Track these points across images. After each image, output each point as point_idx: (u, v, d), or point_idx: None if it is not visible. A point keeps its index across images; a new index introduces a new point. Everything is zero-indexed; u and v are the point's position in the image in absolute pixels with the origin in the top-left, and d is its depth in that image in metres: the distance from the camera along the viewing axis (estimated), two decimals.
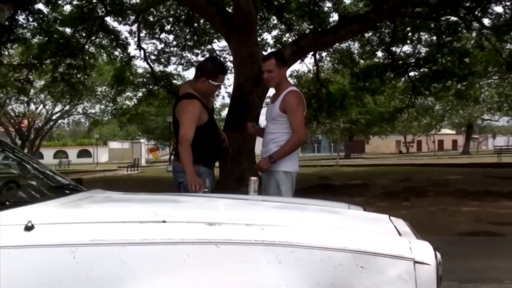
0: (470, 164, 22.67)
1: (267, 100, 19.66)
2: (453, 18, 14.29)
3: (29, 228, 1.65)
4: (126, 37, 16.85)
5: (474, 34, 15.67)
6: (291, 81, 19.31)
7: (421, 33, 16.34)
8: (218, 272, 1.63)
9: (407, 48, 17.97)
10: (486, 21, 14.00)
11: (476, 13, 13.29)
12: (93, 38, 16.20)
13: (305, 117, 3.98)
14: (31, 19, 14.47)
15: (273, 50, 16.20)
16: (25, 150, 26.43)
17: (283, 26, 16.43)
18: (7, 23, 11.64)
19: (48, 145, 50.90)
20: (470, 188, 11.03)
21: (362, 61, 18.27)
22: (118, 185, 14.52)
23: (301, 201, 2.84)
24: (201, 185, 3.39)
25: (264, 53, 12.80)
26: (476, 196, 9.76)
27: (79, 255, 1.61)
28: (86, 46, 16.18)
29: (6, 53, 15.18)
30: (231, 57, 13.63)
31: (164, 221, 1.76)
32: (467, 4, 13.33)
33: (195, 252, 1.62)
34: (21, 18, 14.16)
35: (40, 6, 14.56)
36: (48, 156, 46.62)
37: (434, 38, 15.63)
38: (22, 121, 33.21)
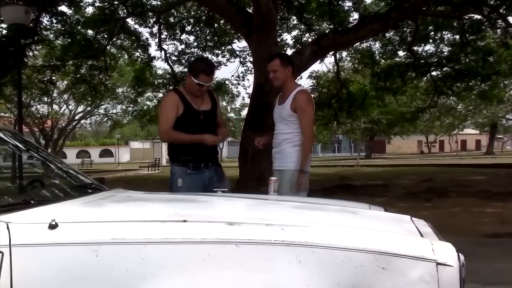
0: (494, 165, 22.30)
1: None
2: (477, 17, 14.06)
3: (53, 226, 1.68)
4: (146, 38, 17.01)
5: (498, 32, 15.39)
6: (310, 81, 19.28)
7: (444, 32, 16.10)
8: (238, 271, 1.63)
9: (429, 47, 17.76)
10: (511, 19, 13.74)
11: (500, 11, 13.05)
12: (114, 39, 16.37)
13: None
14: (54, 21, 14.70)
15: (293, 50, 16.19)
16: (49, 150, 26.86)
17: (303, 26, 16.37)
18: (31, 25, 11.84)
19: (71, 145, 51.67)
20: (494, 189, 10.84)
21: (383, 61, 18.11)
22: (139, 185, 14.67)
23: (322, 201, 2.82)
24: (215, 138, 3.64)
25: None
26: (500, 197, 9.59)
27: (101, 253, 1.63)
28: (108, 48, 16.36)
29: (31, 54, 15.43)
30: (251, 57, 13.64)
31: (184, 221, 1.78)
32: (491, 2, 13.10)
33: (216, 252, 1.63)
34: (45, 20, 14.40)
35: (63, 8, 14.80)
36: (71, 155, 47.29)
37: (457, 37, 15.40)
38: (45, 122, 33.75)
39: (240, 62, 18.51)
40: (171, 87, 18.70)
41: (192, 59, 4.25)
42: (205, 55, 18.36)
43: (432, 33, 15.97)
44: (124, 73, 23.74)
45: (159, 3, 16.12)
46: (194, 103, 3.70)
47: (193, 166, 3.66)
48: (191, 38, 17.59)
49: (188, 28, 16.97)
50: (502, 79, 19.20)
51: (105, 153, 55.16)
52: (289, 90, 3.92)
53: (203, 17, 16.19)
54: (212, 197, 2.72)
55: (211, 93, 3.90)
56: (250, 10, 11.18)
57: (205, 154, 3.71)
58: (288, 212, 2.44)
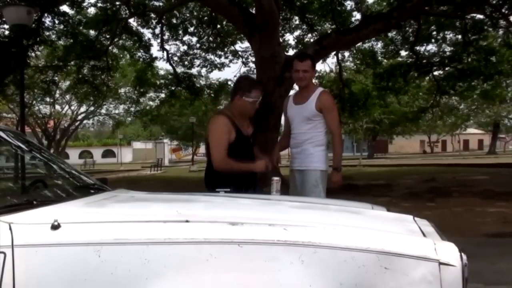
0: (496, 164, 22.24)
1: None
2: (479, 16, 14.06)
3: (55, 227, 1.68)
4: (149, 39, 17.05)
5: (501, 32, 15.37)
6: (312, 81, 19.32)
7: (446, 32, 16.11)
8: (241, 271, 1.63)
9: (431, 47, 17.75)
10: None
11: (503, 10, 13.03)
12: (116, 40, 16.40)
13: None
14: (57, 22, 14.73)
15: (295, 50, 16.19)
16: (52, 150, 26.90)
17: (305, 26, 16.37)
18: (34, 25, 11.85)
19: (73, 145, 51.73)
20: (497, 188, 10.83)
21: (385, 61, 18.10)
22: (142, 185, 14.67)
23: (324, 201, 2.82)
24: (267, 163, 3.43)
25: (286, 53, 12.78)
26: (503, 196, 9.57)
27: (104, 254, 1.63)
28: (110, 48, 16.38)
29: (33, 54, 15.46)
30: (254, 57, 13.64)
31: (187, 221, 1.78)
32: (494, 2, 13.08)
33: (218, 252, 1.63)
34: (47, 20, 14.43)
35: (65, 8, 14.83)
36: (73, 156, 47.36)
37: (459, 36, 15.39)
38: (48, 122, 33.80)
39: (243, 62, 18.51)
40: (173, 88, 18.71)
41: (235, 81, 3.82)
42: (207, 56, 18.39)
43: (434, 32, 15.97)
44: (126, 73, 23.77)
45: (161, 3, 16.14)
46: (243, 128, 3.46)
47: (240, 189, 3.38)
48: (194, 39, 17.62)
49: (191, 29, 16.98)
50: (504, 78, 19.19)
51: (108, 154, 55.23)
52: (310, 90, 3.91)
53: (206, 18, 16.20)
54: (214, 197, 2.72)
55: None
56: (252, 11, 11.19)
57: (245, 182, 3.43)
58: (291, 212, 2.43)
